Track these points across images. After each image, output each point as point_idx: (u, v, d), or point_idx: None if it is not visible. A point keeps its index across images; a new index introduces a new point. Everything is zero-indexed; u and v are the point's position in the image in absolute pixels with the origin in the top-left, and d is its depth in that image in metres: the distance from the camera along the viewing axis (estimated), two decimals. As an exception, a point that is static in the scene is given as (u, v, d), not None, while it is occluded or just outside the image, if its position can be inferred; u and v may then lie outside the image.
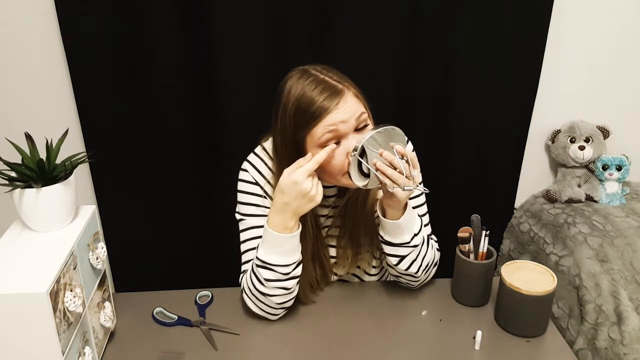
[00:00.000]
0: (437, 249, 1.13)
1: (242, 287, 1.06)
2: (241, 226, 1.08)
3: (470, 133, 1.60)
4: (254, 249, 1.04)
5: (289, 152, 0.97)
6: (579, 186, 1.64)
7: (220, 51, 1.43)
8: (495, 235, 1.74)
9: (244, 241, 1.07)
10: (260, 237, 1.00)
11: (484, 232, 1.06)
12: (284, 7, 1.40)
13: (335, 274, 1.18)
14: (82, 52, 1.42)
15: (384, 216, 1.00)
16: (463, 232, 1.07)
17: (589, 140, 1.62)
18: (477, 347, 0.97)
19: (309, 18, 1.42)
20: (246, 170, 1.08)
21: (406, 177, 0.91)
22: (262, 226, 0.99)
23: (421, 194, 1.12)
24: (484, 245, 1.07)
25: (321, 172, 0.97)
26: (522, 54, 1.52)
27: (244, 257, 1.07)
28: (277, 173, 1.00)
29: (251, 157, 1.09)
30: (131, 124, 1.51)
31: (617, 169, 1.59)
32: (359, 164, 0.93)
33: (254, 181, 1.07)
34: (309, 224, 1.05)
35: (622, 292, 1.25)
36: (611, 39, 1.59)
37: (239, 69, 1.46)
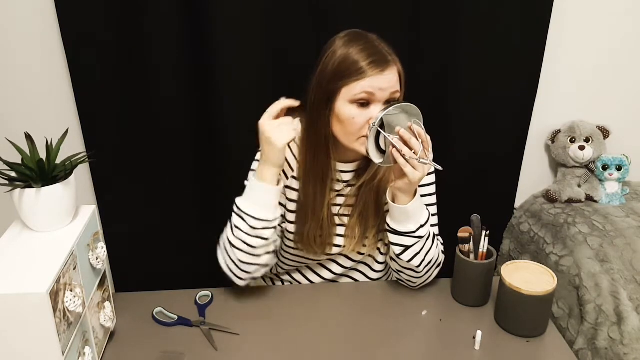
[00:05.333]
0: (442, 252, 1.13)
1: (220, 240, 1.09)
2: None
3: (470, 133, 1.60)
4: None
5: (320, 99, 0.99)
6: (579, 186, 1.64)
7: (220, 51, 1.43)
8: (495, 235, 1.74)
9: None
10: None
11: (484, 232, 1.06)
12: (284, 7, 1.40)
13: (340, 265, 1.19)
14: (82, 52, 1.42)
15: (393, 202, 1.01)
16: (463, 232, 1.07)
17: (589, 140, 1.62)
18: (477, 347, 0.97)
19: (309, 17, 1.42)
20: None
21: (420, 157, 0.93)
22: None
23: (433, 193, 1.13)
24: (484, 245, 1.07)
25: (341, 132, 1.00)
26: (522, 54, 1.52)
27: None
28: (307, 127, 1.04)
29: None
30: (131, 124, 1.51)
31: (617, 169, 1.59)
32: (376, 140, 0.94)
33: None
34: (328, 190, 1.08)
35: (622, 292, 1.25)
36: (611, 39, 1.59)
37: (239, 69, 1.45)
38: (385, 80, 0.96)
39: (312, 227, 1.10)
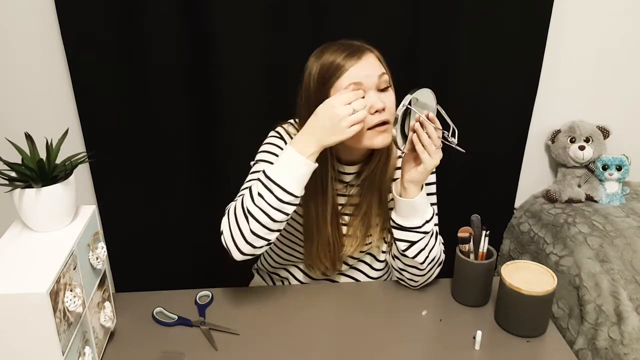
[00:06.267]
0: (443, 251, 1.13)
1: (227, 209, 1.01)
2: (251, 169, 1.08)
3: (470, 133, 1.60)
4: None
5: (313, 109, 0.95)
6: (579, 186, 1.64)
7: (220, 51, 1.43)
8: (495, 235, 1.74)
9: (248, 181, 1.06)
10: None
11: (484, 232, 1.06)
12: (284, 7, 1.40)
13: (342, 265, 1.19)
14: (82, 52, 1.42)
15: (400, 195, 1.02)
16: (463, 232, 1.07)
17: (589, 140, 1.62)
18: (477, 347, 0.97)
19: (309, 17, 1.42)
20: (277, 132, 1.12)
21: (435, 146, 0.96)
22: None
23: (435, 193, 1.14)
24: (484, 245, 1.07)
25: None
26: (522, 53, 1.52)
27: (240, 193, 1.05)
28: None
29: (279, 127, 1.13)
30: (131, 124, 1.51)
31: (617, 169, 1.59)
32: (402, 124, 0.95)
33: (281, 136, 1.10)
34: (330, 203, 1.07)
35: (622, 292, 1.25)
36: (611, 39, 1.59)
37: (239, 69, 1.46)
38: (367, 65, 0.97)
39: (321, 245, 1.11)
